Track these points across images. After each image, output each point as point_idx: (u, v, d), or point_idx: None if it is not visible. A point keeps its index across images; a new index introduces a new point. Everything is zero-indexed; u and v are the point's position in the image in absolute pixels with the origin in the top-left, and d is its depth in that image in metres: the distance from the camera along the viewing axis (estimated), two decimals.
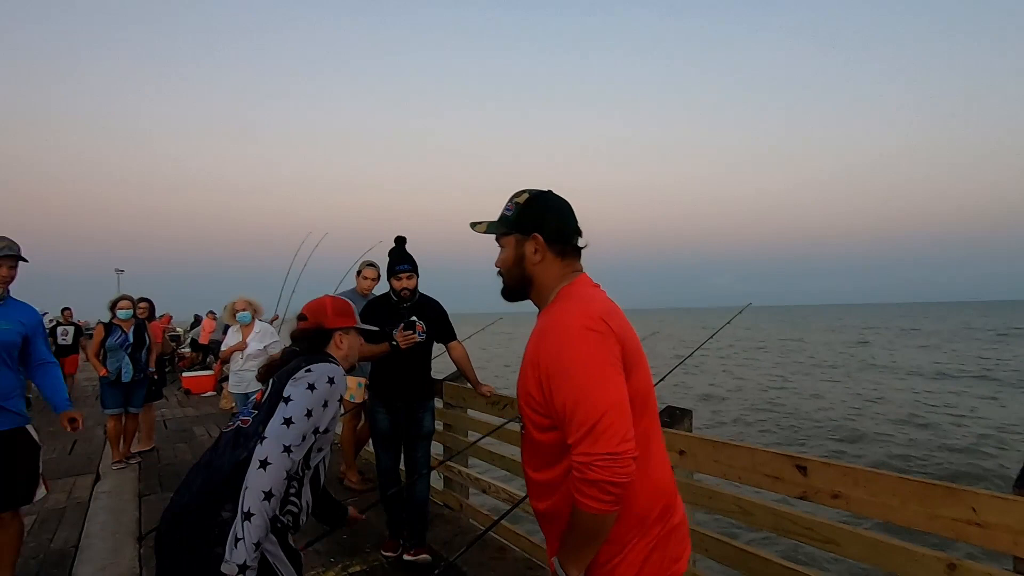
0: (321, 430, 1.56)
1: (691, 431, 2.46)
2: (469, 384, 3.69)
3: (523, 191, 1.36)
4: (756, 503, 2.08)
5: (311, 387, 1.54)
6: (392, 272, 3.20)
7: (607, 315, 1.18)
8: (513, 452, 3.70)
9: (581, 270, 1.36)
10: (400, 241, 3.28)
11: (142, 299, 6.65)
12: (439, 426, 3.99)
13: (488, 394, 3.54)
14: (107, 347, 5.31)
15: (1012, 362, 22.96)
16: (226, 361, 5.79)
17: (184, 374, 10.95)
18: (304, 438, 1.48)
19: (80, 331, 10.50)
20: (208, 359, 11.84)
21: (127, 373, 5.34)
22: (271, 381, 1.64)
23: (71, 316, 10.44)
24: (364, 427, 4.60)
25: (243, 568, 1.33)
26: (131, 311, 5.49)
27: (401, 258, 3.22)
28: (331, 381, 1.58)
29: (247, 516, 1.36)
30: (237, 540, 1.35)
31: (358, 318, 1.90)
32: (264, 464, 1.41)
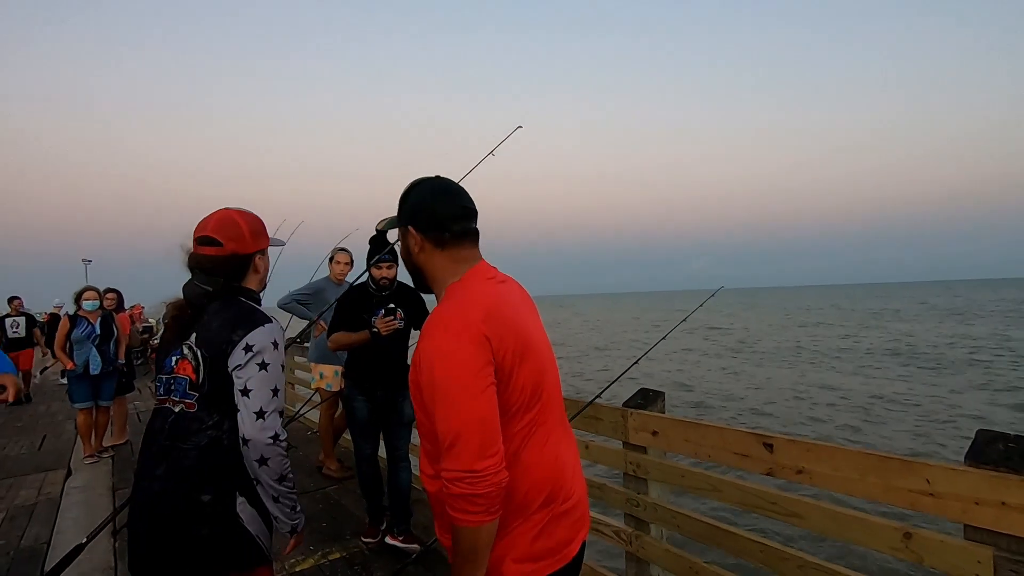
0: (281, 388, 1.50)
1: (664, 412, 2.52)
2: None
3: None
4: (724, 480, 2.15)
5: (262, 366, 1.43)
6: (373, 262, 3.18)
7: (485, 318, 1.13)
8: None
9: (475, 259, 1.28)
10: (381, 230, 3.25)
11: (109, 289, 6.49)
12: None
13: None
14: (73, 339, 5.17)
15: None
16: None
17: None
18: (280, 412, 1.47)
19: (33, 321, 9.57)
20: None
21: (95, 366, 5.22)
22: (192, 348, 1.48)
23: (21, 306, 9.44)
24: (342, 415, 4.59)
25: (295, 511, 1.53)
26: (97, 302, 5.35)
27: (383, 248, 3.20)
28: (275, 345, 1.47)
29: (276, 499, 1.48)
30: (278, 515, 1.51)
31: (273, 238, 1.68)
32: (263, 461, 1.42)
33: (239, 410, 1.43)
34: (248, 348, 1.44)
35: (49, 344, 8.95)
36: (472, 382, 1.08)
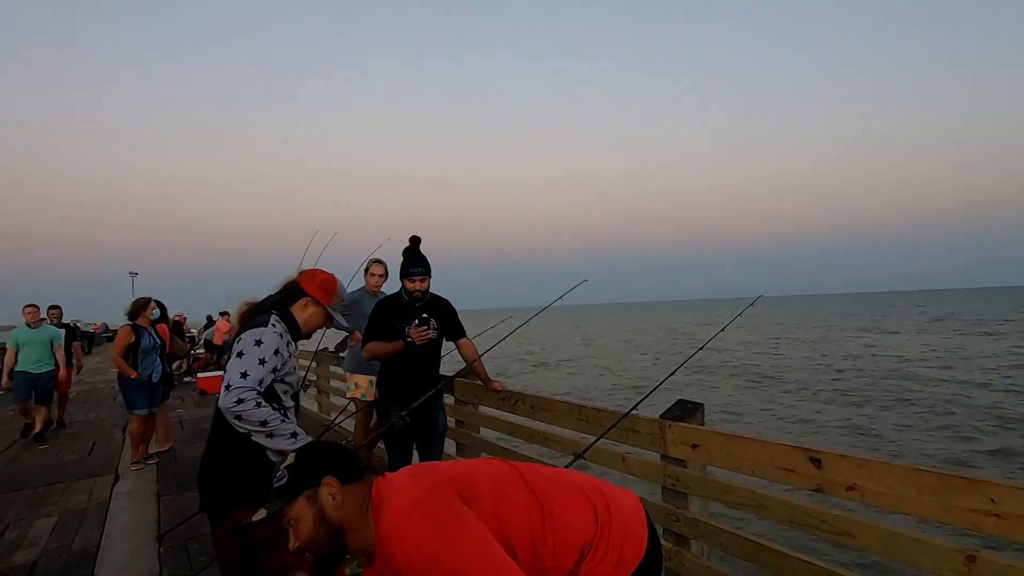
0: (263, 378, 1.84)
1: (703, 424, 2.45)
2: (480, 381, 3.70)
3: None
4: (770, 496, 2.07)
5: (240, 355, 1.84)
6: (406, 274, 3.22)
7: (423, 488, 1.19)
8: (526, 448, 3.71)
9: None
10: (415, 241, 3.28)
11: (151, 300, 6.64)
12: (451, 423, 4.01)
13: (499, 389, 3.54)
14: (141, 350, 5.37)
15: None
16: None
17: (199, 375, 11.08)
18: (249, 387, 1.79)
19: (74, 334, 8.49)
20: (223, 359, 11.95)
21: (157, 374, 5.47)
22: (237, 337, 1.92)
23: (60, 315, 8.18)
24: (375, 425, 4.63)
25: (296, 436, 1.84)
26: (159, 312, 5.62)
27: (415, 260, 3.22)
28: (258, 343, 1.85)
29: (270, 435, 1.80)
30: (282, 447, 1.81)
31: (337, 307, 2.09)
32: (239, 419, 1.78)
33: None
34: (238, 340, 1.89)
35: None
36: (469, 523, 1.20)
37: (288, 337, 1.97)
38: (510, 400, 3.52)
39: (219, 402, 1.80)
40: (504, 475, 1.32)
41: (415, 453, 3.42)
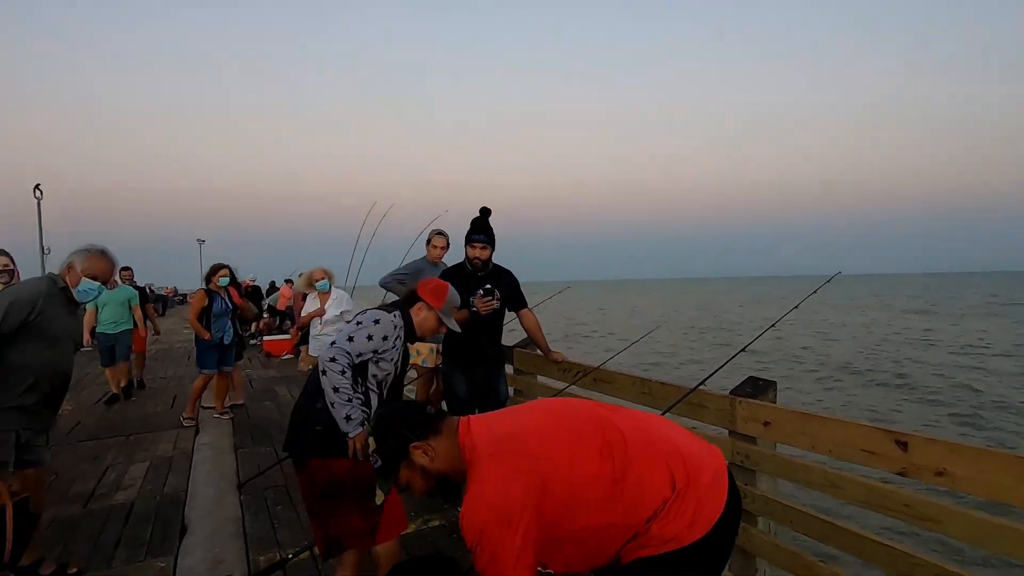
0: (364, 351, 2.04)
1: (775, 402, 2.40)
2: (540, 351, 3.73)
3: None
4: (846, 476, 2.02)
5: (357, 323, 2.09)
6: (469, 240, 3.27)
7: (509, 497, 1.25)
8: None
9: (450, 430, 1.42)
10: (484, 212, 3.35)
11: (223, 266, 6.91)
12: (510, 391, 4.09)
13: (560, 360, 3.57)
14: (213, 313, 5.68)
15: None
16: (303, 327, 6.12)
17: (264, 338, 11.68)
18: (348, 352, 2.01)
19: (146, 295, 8.53)
20: (285, 324, 12.53)
21: (228, 336, 5.78)
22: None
23: (131, 277, 7.98)
24: (436, 391, 4.77)
25: (349, 420, 1.98)
26: (229, 278, 5.82)
27: (479, 228, 3.28)
28: (376, 322, 2.09)
29: (332, 404, 1.99)
30: (336, 417, 1.99)
31: (447, 310, 2.24)
32: (323, 372, 2.01)
33: None
34: (363, 312, 2.16)
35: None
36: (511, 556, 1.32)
37: (402, 333, 2.16)
38: (571, 371, 3.54)
39: (320, 352, 2.03)
40: (584, 436, 1.34)
41: None
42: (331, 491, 2.07)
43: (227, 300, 5.80)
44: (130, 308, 7.04)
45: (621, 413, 1.48)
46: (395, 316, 2.15)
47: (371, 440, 1.44)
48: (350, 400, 1.98)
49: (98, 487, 4.01)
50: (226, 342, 5.79)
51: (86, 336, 6.81)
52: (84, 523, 3.39)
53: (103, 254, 2.69)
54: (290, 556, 2.34)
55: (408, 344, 2.29)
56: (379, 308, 2.20)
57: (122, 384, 7.05)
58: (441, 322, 2.24)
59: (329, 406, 2.00)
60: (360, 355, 2.03)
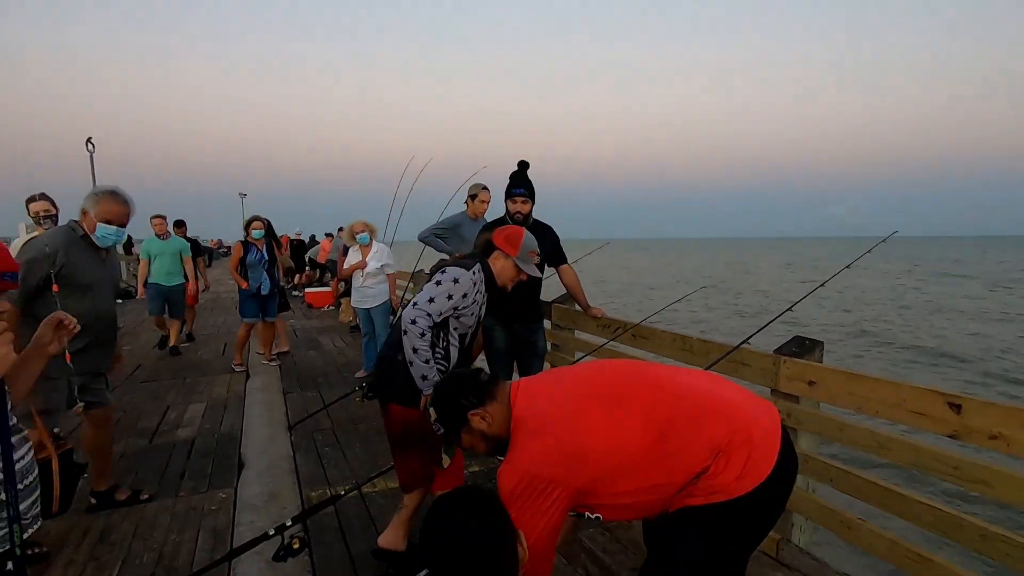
0: (444, 310, 2.09)
1: (821, 362, 2.36)
2: (578, 307, 3.75)
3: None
4: (895, 438, 2.00)
5: (437, 283, 2.12)
6: (509, 195, 3.26)
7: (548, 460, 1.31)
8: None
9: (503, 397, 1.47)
10: (523, 165, 3.31)
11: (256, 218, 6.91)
12: (548, 346, 4.14)
13: (599, 316, 3.58)
14: (247, 263, 5.86)
15: None
16: (344, 279, 6.27)
17: (306, 290, 12.05)
18: (428, 314, 2.06)
19: (199, 248, 8.33)
20: (326, 277, 12.86)
21: (265, 286, 5.92)
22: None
23: (185, 231, 8.11)
24: (477, 345, 4.86)
25: (424, 379, 2.07)
26: (263, 231, 5.94)
27: (520, 182, 3.25)
28: (455, 281, 2.11)
29: (410, 363, 2.08)
30: (413, 375, 2.09)
31: (523, 257, 2.24)
32: (404, 332, 2.08)
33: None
34: (443, 272, 2.16)
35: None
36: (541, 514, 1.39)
37: (482, 287, 2.20)
38: (610, 327, 3.55)
39: (404, 312, 2.13)
40: (627, 403, 1.36)
41: (515, 372, 3.58)
42: (403, 436, 2.24)
43: (263, 252, 5.89)
44: (182, 261, 6.88)
45: (669, 371, 1.48)
46: (475, 271, 2.17)
47: (431, 410, 1.54)
48: (427, 362, 2.06)
49: (161, 424, 4.31)
50: (263, 292, 5.88)
51: (139, 289, 7.05)
52: (151, 455, 3.67)
53: (113, 195, 2.55)
54: (342, 493, 2.49)
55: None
56: (458, 263, 2.20)
57: (171, 342, 6.92)
58: (519, 269, 2.26)
59: (408, 364, 2.08)
60: (440, 314, 2.09)
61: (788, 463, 1.33)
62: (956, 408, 1.78)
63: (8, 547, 1.24)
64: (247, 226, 5.92)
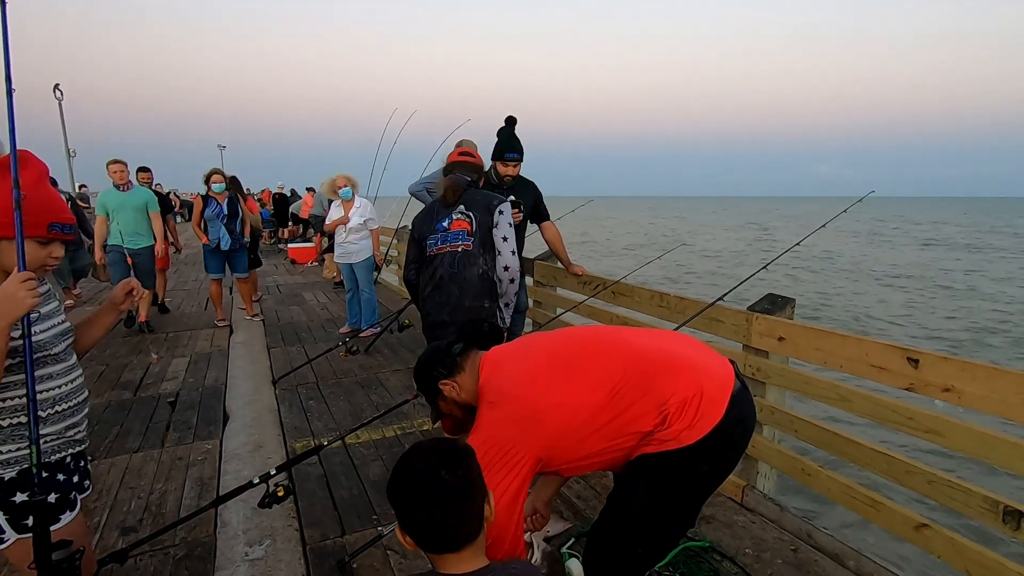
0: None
1: (792, 318, 2.43)
2: (560, 264, 3.77)
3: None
4: (855, 390, 2.09)
5: (511, 224, 2.49)
6: (500, 157, 3.20)
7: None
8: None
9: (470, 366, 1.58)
10: (510, 122, 3.22)
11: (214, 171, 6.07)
12: (529, 303, 4.18)
13: (581, 273, 3.61)
14: (206, 217, 5.63)
15: None
16: (327, 234, 6.20)
17: (289, 245, 11.92)
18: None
19: (169, 204, 7.04)
20: (309, 232, 12.71)
21: (225, 242, 5.65)
22: (464, 212, 2.44)
23: (151, 179, 6.44)
24: None
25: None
26: (223, 184, 5.61)
27: (511, 145, 3.19)
28: (510, 225, 2.51)
29: (507, 305, 2.53)
30: (506, 317, 2.55)
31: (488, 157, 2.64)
32: (513, 281, 2.48)
33: (500, 252, 2.45)
34: (501, 212, 2.44)
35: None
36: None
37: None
38: (590, 284, 3.59)
39: (508, 262, 2.45)
40: (585, 370, 1.42)
41: None
42: None
43: (222, 206, 5.60)
44: (148, 217, 5.60)
45: (626, 334, 1.54)
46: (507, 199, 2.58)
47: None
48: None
49: (145, 377, 4.32)
50: (224, 247, 5.65)
51: (97, 253, 5.61)
52: (136, 407, 3.70)
53: None
54: (325, 443, 2.55)
55: None
56: (481, 193, 2.54)
57: (142, 317, 5.72)
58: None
59: (504, 307, 2.52)
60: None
61: (742, 414, 1.40)
62: (914, 363, 1.86)
63: (14, 473, 1.30)
64: (207, 179, 5.62)
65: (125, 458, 2.98)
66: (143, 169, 6.34)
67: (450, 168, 2.57)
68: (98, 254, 5.61)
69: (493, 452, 1.35)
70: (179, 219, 19.93)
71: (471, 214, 2.43)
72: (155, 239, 5.70)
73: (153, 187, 6.37)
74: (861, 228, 38.42)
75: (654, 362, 1.41)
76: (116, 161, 5.50)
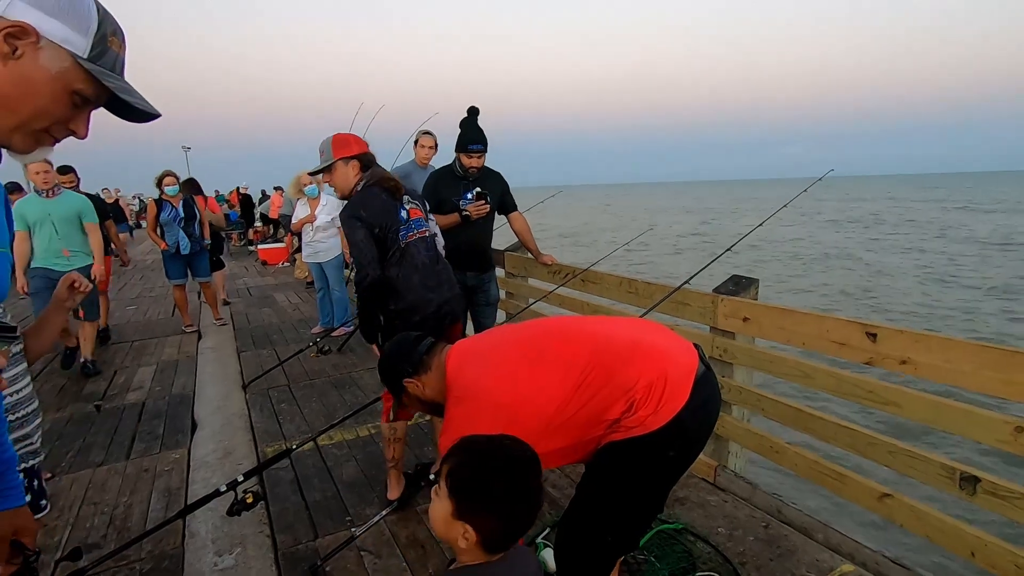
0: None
1: (756, 299, 2.46)
2: (530, 254, 3.76)
3: None
4: (816, 366, 2.12)
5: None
6: (463, 148, 3.15)
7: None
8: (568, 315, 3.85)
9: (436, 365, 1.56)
10: (473, 113, 3.16)
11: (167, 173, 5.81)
12: (502, 294, 4.16)
13: (550, 263, 3.61)
14: (162, 221, 5.43)
15: None
16: (297, 233, 6.08)
17: (260, 246, 11.68)
18: None
19: (106, 211, 5.50)
20: (279, 232, 12.46)
21: (184, 246, 5.47)
22: (412, 200, 2.41)
23: (76, 183, 5.19)
24: None
25: None
26: (177, 187, 5.42)
27: (475, 137, 3.13)
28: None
29: None
30: None
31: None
32: (444, 247, 2.56)
33: (437, 233, 2.53)
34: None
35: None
36: None
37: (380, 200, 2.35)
38: (560, 273, 3.59)
39: (440, 237, 2.51)
40: (549, 362, 1.42)
41: (469, 320, 3.61)
42: None
43: (177, 209, 5.41)
44: (83, 230, 4.33)
45: (590, 323, 1.55)
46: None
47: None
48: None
49: (109, 388, 4.19)
50: (184, 252, 5.47)
51: (19, 278, 4.36)
52: (100, 419, 3.59)
53: None
54: (294, 447, 2.51)
55: None
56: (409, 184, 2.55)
57: (84, 353, 4.53)
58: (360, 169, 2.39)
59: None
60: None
61: (707, 398, 1.40)
62: (872, 337, 1.90)
63: None
64: (159, 182, 5.39)
65: (88, 473, 2.88)
66: (65, 169, 5.03)
67: (371, 158, 2.43)
68: (19, 280, 4.35)
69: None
70: (138, 227, 19.36)
71: (416, 201, 2.44)
72: (94, 257, 4.38)
73: (79, 190, 5.07)
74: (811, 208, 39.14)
75: (619, 350, 1.41)
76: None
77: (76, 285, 1.41)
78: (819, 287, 13.40)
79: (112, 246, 5.52)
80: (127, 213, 12.57)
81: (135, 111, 0.79)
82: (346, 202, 2.34)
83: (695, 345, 1.49)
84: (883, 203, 46.07)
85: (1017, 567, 1.59)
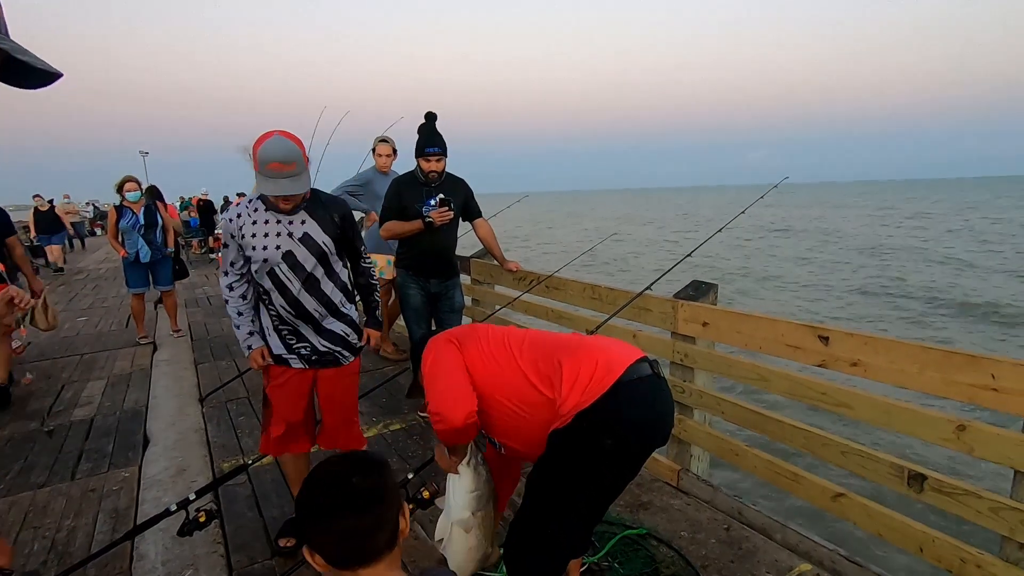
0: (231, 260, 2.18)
1: (715, 304, 2.50)
2: (496, 261, 3.75)
3: None
4: (772, 369, 2.17)
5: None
6: (421, 153, 3.12)
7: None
8: (535, 323, 3.85)
9: None
10: (430, 117, 3.13)
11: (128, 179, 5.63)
12: (468, 301, 4.14)
13: (515, 269, 3.60)
14: (121, 228, 5.28)
15: None
16: None
17: (219, 253, 11.36)
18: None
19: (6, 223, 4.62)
20: None
21: (145, 254, 5.35)
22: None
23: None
24: (395, 302, 4.80)
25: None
26: (139, 193, 5.29)
27: (431, 139, 3.10)
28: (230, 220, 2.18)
29: None
30: None
31: (264, 172, 1.90)
32: None
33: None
34: None
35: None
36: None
37: (255, 215, 2.12)
38: (525, 279, 3.59)
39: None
40: (490, 355, 1.58)
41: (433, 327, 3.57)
42: None
43: (138, 216, 5.27)
44: None
45: (543, 332, 1.68)
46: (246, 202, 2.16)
47: None
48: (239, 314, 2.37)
49: (55, 404, 3.99)
50: (143, 260, 5.35)
51: None
52: (43, 439, 3.41)
53: None
54: (251, 462, 2.43)
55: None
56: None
57: None
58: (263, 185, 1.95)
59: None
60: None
61: (646, 394, 1.44)
62: (824, 340, 1.95)
63: None
64: (120, 188, 5.23)
65: (29, 495, 2.73)
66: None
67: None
68: None
69: (439, 363, 1.57)
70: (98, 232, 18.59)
71: None
72: None
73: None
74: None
75: (563, 344, 1.53)
76: None
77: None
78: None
79: (21, 272, 4.32)
80: (64, 221, 11.71)
81: (34, 73, 0.69)
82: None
83: (647, 356, 1.51)
84: (816, 210, 47.21)
85: (962, 561, 1.65)
